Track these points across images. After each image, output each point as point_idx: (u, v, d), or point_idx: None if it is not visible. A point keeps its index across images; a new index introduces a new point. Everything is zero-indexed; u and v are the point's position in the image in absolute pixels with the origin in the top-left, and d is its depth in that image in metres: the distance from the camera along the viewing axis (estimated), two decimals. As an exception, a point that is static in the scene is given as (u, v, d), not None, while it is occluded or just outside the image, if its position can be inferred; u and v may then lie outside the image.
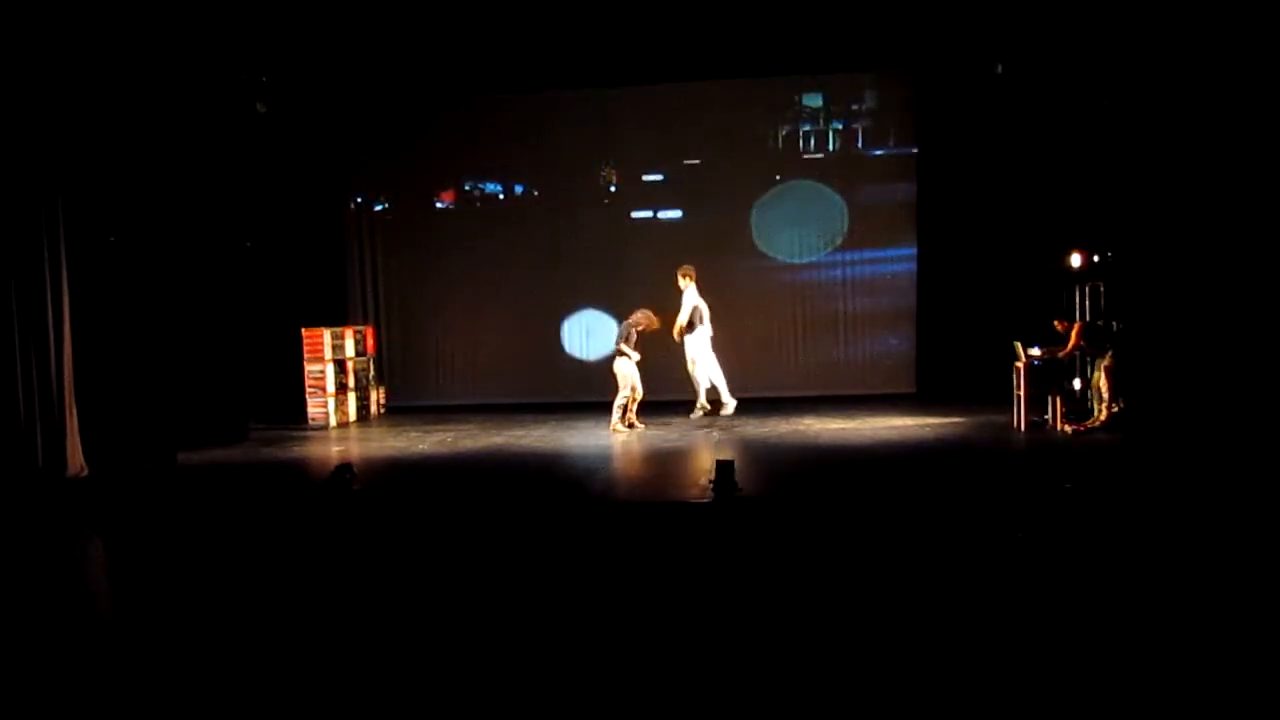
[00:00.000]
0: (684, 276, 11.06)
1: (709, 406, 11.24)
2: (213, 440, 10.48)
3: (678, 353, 11.26)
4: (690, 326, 10.92)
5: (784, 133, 13.67)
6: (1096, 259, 10.74)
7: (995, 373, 11.04)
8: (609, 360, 10.96)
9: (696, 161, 13.70)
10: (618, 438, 10.46)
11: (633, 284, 12.75)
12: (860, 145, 13.64)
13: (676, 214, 13.83)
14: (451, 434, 11.19)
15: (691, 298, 10.97)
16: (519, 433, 11.06)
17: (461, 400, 13.77)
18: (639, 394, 10.76)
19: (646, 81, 13.13)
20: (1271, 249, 8.32)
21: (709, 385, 11.19)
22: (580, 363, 13.78)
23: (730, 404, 11.14)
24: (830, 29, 11.69)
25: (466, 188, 14.10)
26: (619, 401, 10.70)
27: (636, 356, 10.62)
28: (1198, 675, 3.88)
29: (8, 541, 7.04)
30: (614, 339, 10.91)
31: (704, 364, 11.04)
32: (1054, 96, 11.46)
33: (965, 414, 11.16)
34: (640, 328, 10.66)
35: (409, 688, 3.99)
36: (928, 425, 10.61)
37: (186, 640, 4.66)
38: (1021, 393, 10.22)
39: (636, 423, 10.82)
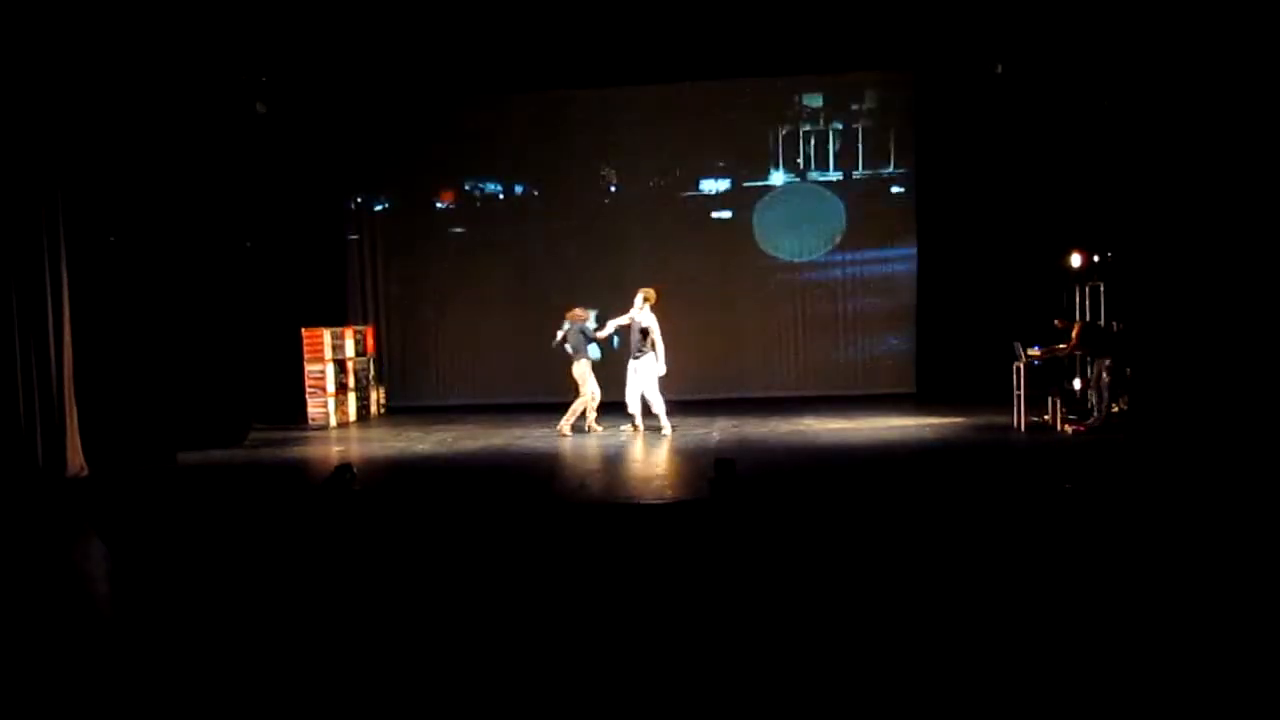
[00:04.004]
0: (647, 300, 10.41)
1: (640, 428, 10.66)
2: (213, 440, 10.47)
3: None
4: (652, 347, 10.30)
5: (784, 133, 13.69)
6: (1096, 259, 10.74)
7: (995, 373, 11.03)
8: (610, 362, 10.92)
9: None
10: (607, 438, 10.46)
11: (632, 284, 12.73)
12: (860, 145, 13.65)
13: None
14: (451, 434, 11.19)
15: (652, 318, 10.35)
16: (519, 433, 11.06)
17: (461, 400, 13.77)
18: (596, 397, 10.71)
19: (647, 81, 13.13)
20: (1271, 249, 8.32)
21: (643, 410, 10.60)
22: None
23: (669, 428, 10.50)
24: (830, 29, 11.70)
25: (466, 188, 14.10)
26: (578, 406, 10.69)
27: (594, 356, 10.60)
28: (1198, 675, 3.88)
29: (8, 541, 7.04)
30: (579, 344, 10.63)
31: (652, 390, 10.38)
32: (1054, 96, 11.46)
33: (965, 414, 11.16)
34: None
35: (409, 687, 3.99)
36: (928, 425, 10.61)
37: (186, 640, 4.66)
38: (1021, 393, 10.21)
39: (595, 426, 10.76)
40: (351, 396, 12.75)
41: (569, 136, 13.68)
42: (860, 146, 13.65)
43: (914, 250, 13.44)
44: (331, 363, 12.30)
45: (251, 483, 8.77)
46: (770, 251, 13.70)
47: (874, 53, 12.52)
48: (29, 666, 4.42)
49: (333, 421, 12.24)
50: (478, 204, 14.15)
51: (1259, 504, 6.53)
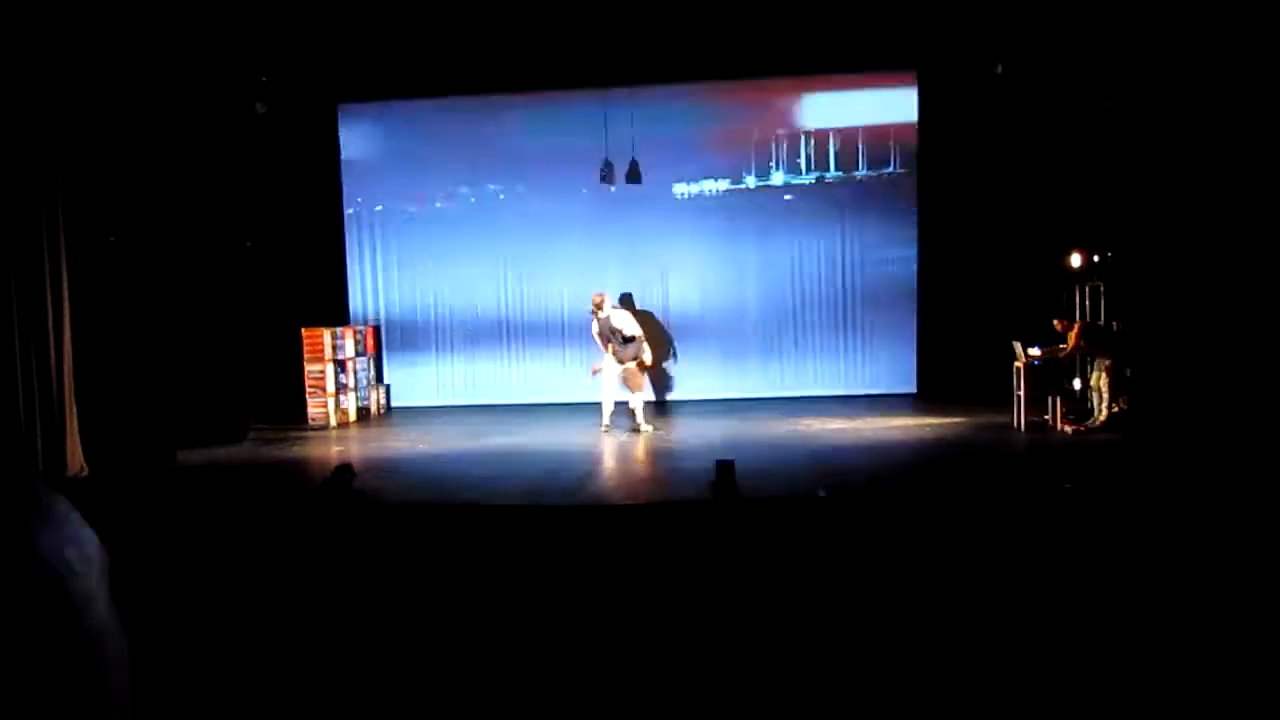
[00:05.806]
0: (599, 306, 10.60)
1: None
2: (213, 440, 10.48)
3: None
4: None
5: (785, 133, 13.68)
6: (1096, 259, 10.75)
7: (995, 373, 11.04)
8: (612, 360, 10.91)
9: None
10: (620, 438, 10.46)
11: (633, 283, 12.73)
12: (861, 145, 13.64)
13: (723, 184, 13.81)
14: (451, 434, 11.18)
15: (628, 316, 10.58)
16: (519, 433, 11.06)
17: (461, 400, 13.77)
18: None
19: (648, 82, 13.13)
20: (1271, 249, 8.33)
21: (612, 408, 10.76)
22: (580, 363, 13.77)
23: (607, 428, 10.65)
24: (832, 29, 11.70)
25: (466, 188, 14.09)
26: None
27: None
28: (1198, 675, 3.88)
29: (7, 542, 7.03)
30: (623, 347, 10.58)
31: (612, 386, 10.57)
32: (1054, 96, 11.46)
33: (965, 414, 11.16)
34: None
35: (408, 688, 3.99)
36: (928, 425, 10.61)
37: (186, 641, 4.66)
38: (1021, 393, 10.22)
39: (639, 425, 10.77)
40: (351, 396, 12.75)
41: (569, 136, 13.67)
42: (861, 147, 13.64)
43: (914, 251, 13.44)
44: (331, 363, 12.30)
45: (251, 482, 8.77)
46: (769, 251, 13.69)
47: (876, 53, 12.52)
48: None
49: (333, 421, 12.24)
50: (477, 204, 14.13)
51: (1258, 504, 6.53)
